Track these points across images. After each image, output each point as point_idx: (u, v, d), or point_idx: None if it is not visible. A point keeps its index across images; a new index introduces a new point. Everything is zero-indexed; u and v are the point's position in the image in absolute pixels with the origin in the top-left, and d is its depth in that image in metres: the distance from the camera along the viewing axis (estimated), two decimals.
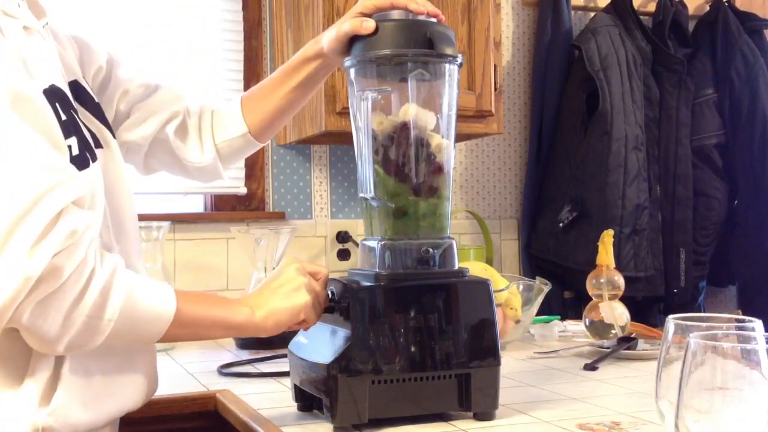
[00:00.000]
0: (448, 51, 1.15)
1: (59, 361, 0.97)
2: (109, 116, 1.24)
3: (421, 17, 1.17)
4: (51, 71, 1.00)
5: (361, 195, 1.18)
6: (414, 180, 1.16)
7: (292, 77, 1.30)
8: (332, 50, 1.22)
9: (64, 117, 0.97)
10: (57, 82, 0.99)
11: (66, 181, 0.89)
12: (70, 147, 0.96)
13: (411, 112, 1.16)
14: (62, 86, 1.01)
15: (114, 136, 1.16)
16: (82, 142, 1.00)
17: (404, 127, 1.16)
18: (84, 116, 1.09)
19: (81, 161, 0.97)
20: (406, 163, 1.16)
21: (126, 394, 1.08)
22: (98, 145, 1.09)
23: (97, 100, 1.16)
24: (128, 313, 0.95)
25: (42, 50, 1.00)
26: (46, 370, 0.96)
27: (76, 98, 1.06)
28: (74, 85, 1.09)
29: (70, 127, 0.97)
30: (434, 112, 1.18)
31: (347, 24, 1.17)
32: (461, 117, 2.01)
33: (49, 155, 0.90)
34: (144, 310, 0.96)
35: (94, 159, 1.02)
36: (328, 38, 1.23)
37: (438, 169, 1.17)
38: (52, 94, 0.97)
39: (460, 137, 2.26)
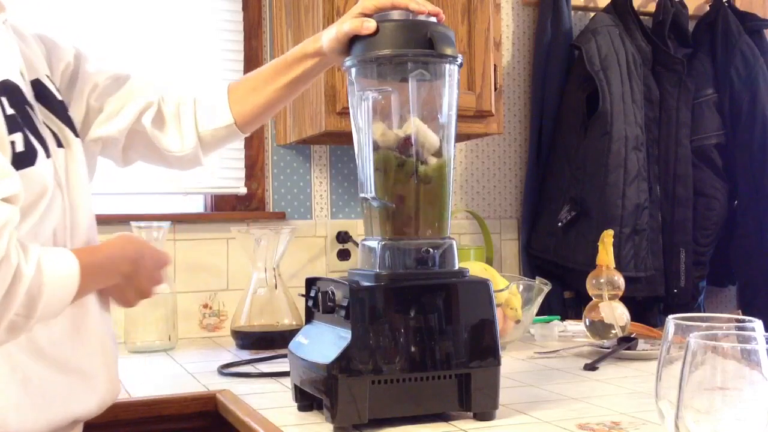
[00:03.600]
0: (448, 51, 1.15)
1: None
2: (80, 112, 1.22)
3: (422, 17, 1.17)
4: (4, 66, 0.98)
5: (361, 195, 1.18)
6: (414, 183, 1.16)
7: (286, 73, 1.28)
8: (332, 50, 1.22)
9: (10, 111, 0.95)
10: (11, 77, 0.97)
11: None
12: (13, 143, 0.94)
13: (413, 129, 1.16)
14: (16, 81, 0.99)
15: (76, 135, 1.13)
16: (36, 138, 0.98)
17: (406, 141, 1.16)
18: (45, 116, 1.07)
19: (24, 158, 0.96)
20: (407, 169, 1.16)
21: (75, 400, 1.04)
22: (60, 144, 1.08)
23: (60, 98, 1.14)
24: (50, 302, 0.94)
25: None
26: None
27: (37, 97, 1.04)
28: (36, 84, 1.08)
29: (16, 123, 0.96)
30: (437, 132, 1.18)
31: (348, 24, 1.17)
32: (461, 117, 2.01)
33: None
34: (57, 292, 0.96)
35: (48, 155, 1.00)
36: (328, 37, 1.22)
37: (438, 185, 1.17)
38: (0, 89, 0.95)
39: (460, 137, 2.26)
